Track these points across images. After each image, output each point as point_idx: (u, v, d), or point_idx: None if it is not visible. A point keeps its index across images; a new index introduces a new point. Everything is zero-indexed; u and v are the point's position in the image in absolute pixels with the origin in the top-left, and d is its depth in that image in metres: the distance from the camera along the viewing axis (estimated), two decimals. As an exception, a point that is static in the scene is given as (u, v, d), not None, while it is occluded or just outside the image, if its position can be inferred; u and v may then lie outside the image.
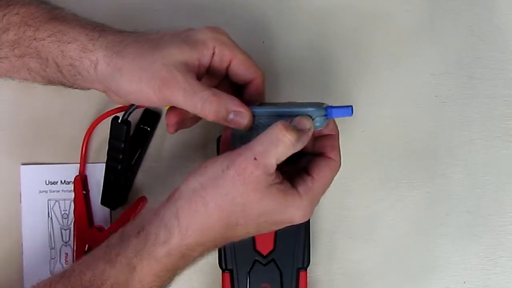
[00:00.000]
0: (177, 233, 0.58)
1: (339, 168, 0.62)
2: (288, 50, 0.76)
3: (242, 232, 0.60)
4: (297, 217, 0.60)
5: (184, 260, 0.59)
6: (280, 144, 0.57)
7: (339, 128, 0.63)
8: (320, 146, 0.63)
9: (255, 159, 0.57)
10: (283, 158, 0.57)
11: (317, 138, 0.63)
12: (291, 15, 0.76)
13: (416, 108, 0.75)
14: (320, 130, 0.61)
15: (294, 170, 0.61)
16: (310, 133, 0.59)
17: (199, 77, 0.62)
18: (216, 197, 0.57)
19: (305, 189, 0.59)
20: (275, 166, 0.57)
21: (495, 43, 0.75)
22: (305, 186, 0.60)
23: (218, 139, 0.71)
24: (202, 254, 0.60)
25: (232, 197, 0.57)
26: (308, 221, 0.71)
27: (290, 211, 0.59)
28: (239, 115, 0.60)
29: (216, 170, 0.58)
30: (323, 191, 0.61)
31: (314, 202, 0.60)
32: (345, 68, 0.75)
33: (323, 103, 0.61)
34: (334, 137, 0.63)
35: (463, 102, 0.75)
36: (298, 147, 0.58)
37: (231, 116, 0.60)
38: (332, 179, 0.62)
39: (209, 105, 0.60)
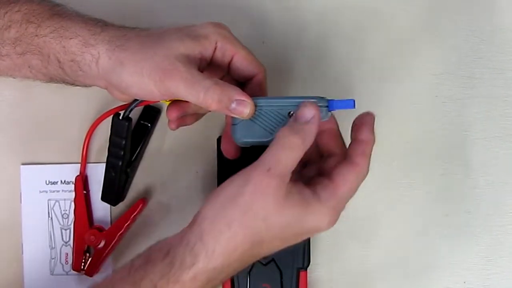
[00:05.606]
0: (203, 257, 0.56)
1: (365, 175, 0.60)
2: (288, 50, 0.76)
3: (269, 247, 0.58)
4: (322, 225, 0.58)
5: (210, 284, 0.58)
6: (287, 149, 0.56)
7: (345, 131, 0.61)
8: (350, 150, 0.60)
9: (268, 170, 0.56)
10: (295, 162, 0.56)
11: (350, 143, 0.61)
12: (291, 15, 0.76)
13: (416, 108, 0.75)
14: (356, 135, 0.59)
15: (317, 174, 0.60)
16: (315, 122, 0.58)
17: (200, 70, 0.62)
18: (237, 215, 0.56)
19: (327, 196, 0.57)
20: (289, 173, 0.56)
21: (495, 43, 0.75)
22: (327, 192, 0.58)
23: (218, 139, 0.71)
24: (229, 275, 0.59)
25: (254, 213, 0.56)
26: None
27: (314, 219, 0.57)
28: (242, 104, 0.60)
29: (233, 188, 0.57)
30: (347, 198, 0.59)
31: (338, 208, 0.58)
32: (345, 68, 0.75)
33: (325, 97, 0.61)
34: (366, 143, 0.59)
35: (463, 102, 0.75)
36: (307, 144, 0.57)
37: (233, 105, 0.60)
38: (357, 185, 0.59)
39: (212, 94, 0.59)
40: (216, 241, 0.56)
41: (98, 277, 0.74)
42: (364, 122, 0.60)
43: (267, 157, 0.56)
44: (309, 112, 0.58)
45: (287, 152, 0.56)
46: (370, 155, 0.60)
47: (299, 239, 0.59)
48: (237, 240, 0.56)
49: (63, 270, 0.75)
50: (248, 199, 0.56)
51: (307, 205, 0.57)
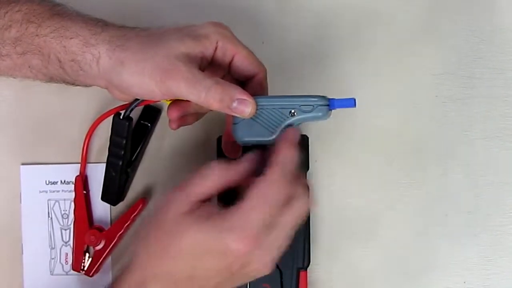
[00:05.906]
0: (131, 268, 0.58)
1: (277, 185, 0.57)
2: (288, 51, 0.76)
3: (189, 268, 0.57)
4: (232, 245, 0.55)
5: None
6: (202, 175, 0.58)
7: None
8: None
9: (180, 186, 0.58)
10: (207, 190, 0.58)
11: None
12: (291, 15, 0.76)
13: (416, 108, 0.75)
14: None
15: None
16: (239, 170, 0.59)
17: (201, 70, 0.62)
18: (152, 225, 0.59)
19: (232, 211, 0.56)
20: (198, 195, 0.58)
21: (495, 43, 0.75)
22: (233, 209, 0.56)
23: (219, 139, 0.71)
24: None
25: (162, 224, 0.58)
26: (308, 221, 0.71)
27: (219, 236, 0.55)
28: (243, 103, 0.60)
29: (159, 201, 0.60)
30: (259, 215, 0.56)
31: (248, 228, 0.55)
32: (345, 69, 0.75)
33: (325, 96, 0.62)
34: (276, 153, 0.59)
35: (463, 102, 0.75)
36: (221, 181, 0.58)
37: (235, 104, 0.60)
38: (267, 200, 0.56)
39: (213, 93, 0.60)
40: (139, 250, 0.59)
41: (97, 277, 0.74)
42: (283, 138, 0.60)
43: (192, 177, 0.59)
44: (245, 158, 0.60)
45: (200, 178, 0.58)
46: (280, 164, 0.58)
47: (215, 265, 0.57)
48: (150, 249, 0.58)
49: (63, 270, 0.75)
50: (162, 209, 0.58)
51: (207, 219, 0.56)
